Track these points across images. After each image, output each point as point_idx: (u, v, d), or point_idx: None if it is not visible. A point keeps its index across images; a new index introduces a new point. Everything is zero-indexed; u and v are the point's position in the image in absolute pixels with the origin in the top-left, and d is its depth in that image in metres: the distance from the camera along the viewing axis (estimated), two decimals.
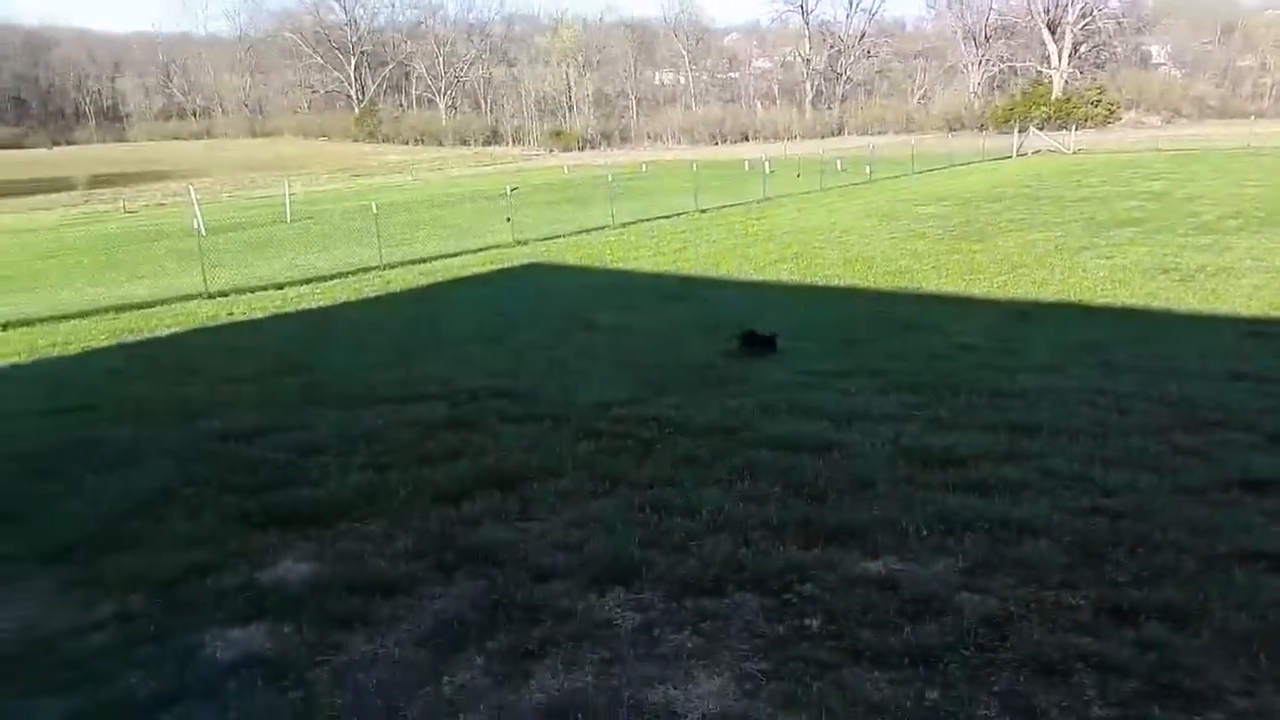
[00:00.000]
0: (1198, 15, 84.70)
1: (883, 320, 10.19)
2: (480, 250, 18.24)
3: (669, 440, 5.70)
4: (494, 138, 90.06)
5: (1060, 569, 3.64)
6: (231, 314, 12.58)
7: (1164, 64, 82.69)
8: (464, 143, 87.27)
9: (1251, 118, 55.58)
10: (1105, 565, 3.66)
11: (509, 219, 20.08)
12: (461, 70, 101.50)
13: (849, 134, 74.63)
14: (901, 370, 7.55)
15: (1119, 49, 75.95)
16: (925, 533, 4.08)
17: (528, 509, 4.66)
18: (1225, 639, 3.08)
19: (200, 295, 13.96)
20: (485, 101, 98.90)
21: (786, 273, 13.79)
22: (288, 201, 31.22)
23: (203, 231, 21.05)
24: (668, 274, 14.46)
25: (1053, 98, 65.77)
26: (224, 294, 14.13)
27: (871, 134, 67.72)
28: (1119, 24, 73.44)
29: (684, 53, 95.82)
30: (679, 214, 23.34)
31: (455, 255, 17.68)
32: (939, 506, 4.38)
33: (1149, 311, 10.07)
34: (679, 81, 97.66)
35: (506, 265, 16.36)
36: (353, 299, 13.57)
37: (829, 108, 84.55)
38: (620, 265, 15.67)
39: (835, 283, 12.81)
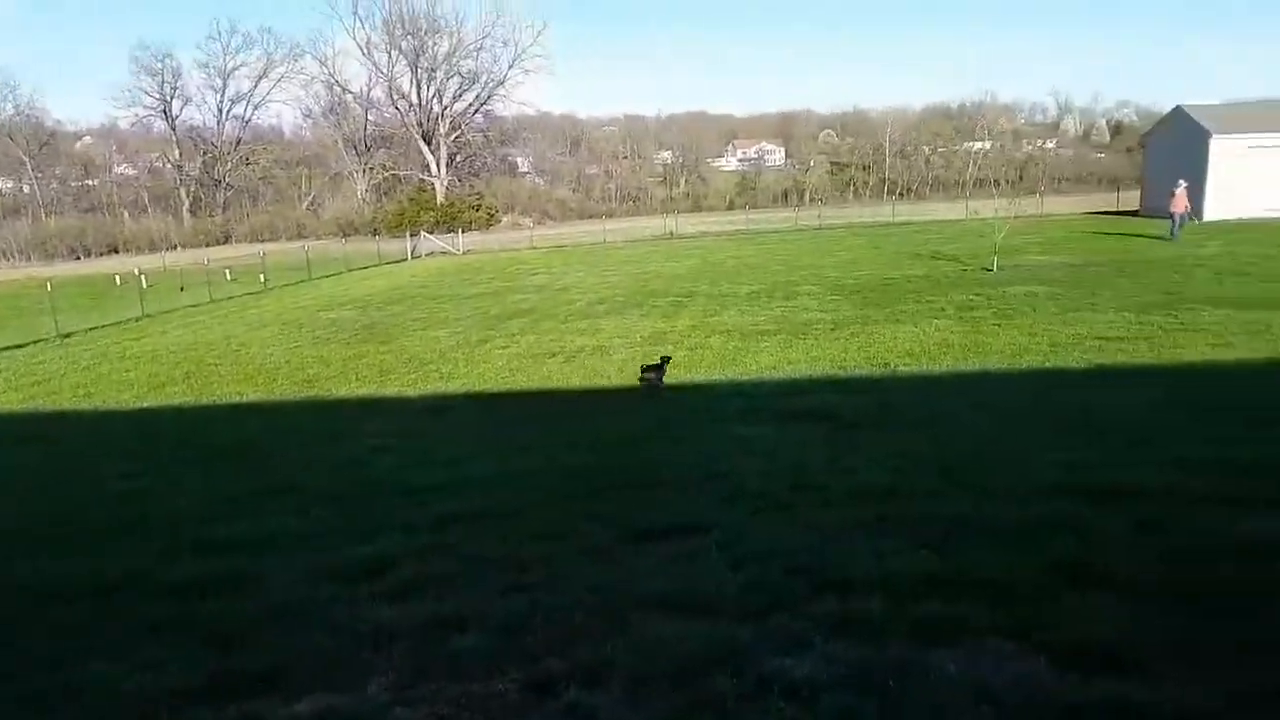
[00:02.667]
0: (550, 130, 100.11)
1: (293, 433, 9.85)
2: None
3: (37, 613, 4.72)
4: None
5: (488, 656, 3.79)
6: None
7: (529, 172, 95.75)
8: None
9: (603, 218, 66.95)
10: (528, 640, 3.90)
11: None
12: None
13: (237, 242, 72.15)
14: (317, 483, 7.33)
15: (489, 159, 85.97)
16: (353, 654, 3.93)
17: None
18: (634, 686, 3.47)
19: None
20: None
21: (178, 396, 12.63)
22: None
23: None
24: (16, 414, 12.23)
25: (438, 203, 71.54)
26: None
27: (262, 241, 66.41)
28: (485, 137, 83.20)
29: (25, 159, 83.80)
30: (34, 341, 20.03)
31: None
32: (367, 621, 4.27)
33: (545, 391, 11.31)
34: (23, 190, 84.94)
35: None
36: None
37: (211, 215, 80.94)
38: None
39: (236, 399, 12.08)
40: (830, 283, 20.80)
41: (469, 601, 4.41)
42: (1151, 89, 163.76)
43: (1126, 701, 2.92)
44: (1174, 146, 37.54)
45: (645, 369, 10.98)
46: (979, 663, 3.23)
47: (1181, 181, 27.84)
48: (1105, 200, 50.20)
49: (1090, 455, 6.45)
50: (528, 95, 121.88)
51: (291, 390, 12.39)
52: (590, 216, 75.92)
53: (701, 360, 12.36)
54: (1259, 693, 2.93)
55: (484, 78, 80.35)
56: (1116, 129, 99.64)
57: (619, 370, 12.15)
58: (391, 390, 11.96)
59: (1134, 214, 40.25)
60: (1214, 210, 33.69)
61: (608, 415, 9.71)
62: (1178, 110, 38.50)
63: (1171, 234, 26.31)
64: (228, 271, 35.92)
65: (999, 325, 13.28)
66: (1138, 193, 43.02)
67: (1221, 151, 34.45)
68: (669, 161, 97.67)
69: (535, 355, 13.89)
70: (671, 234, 48.75)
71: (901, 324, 14.03)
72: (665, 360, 11.05)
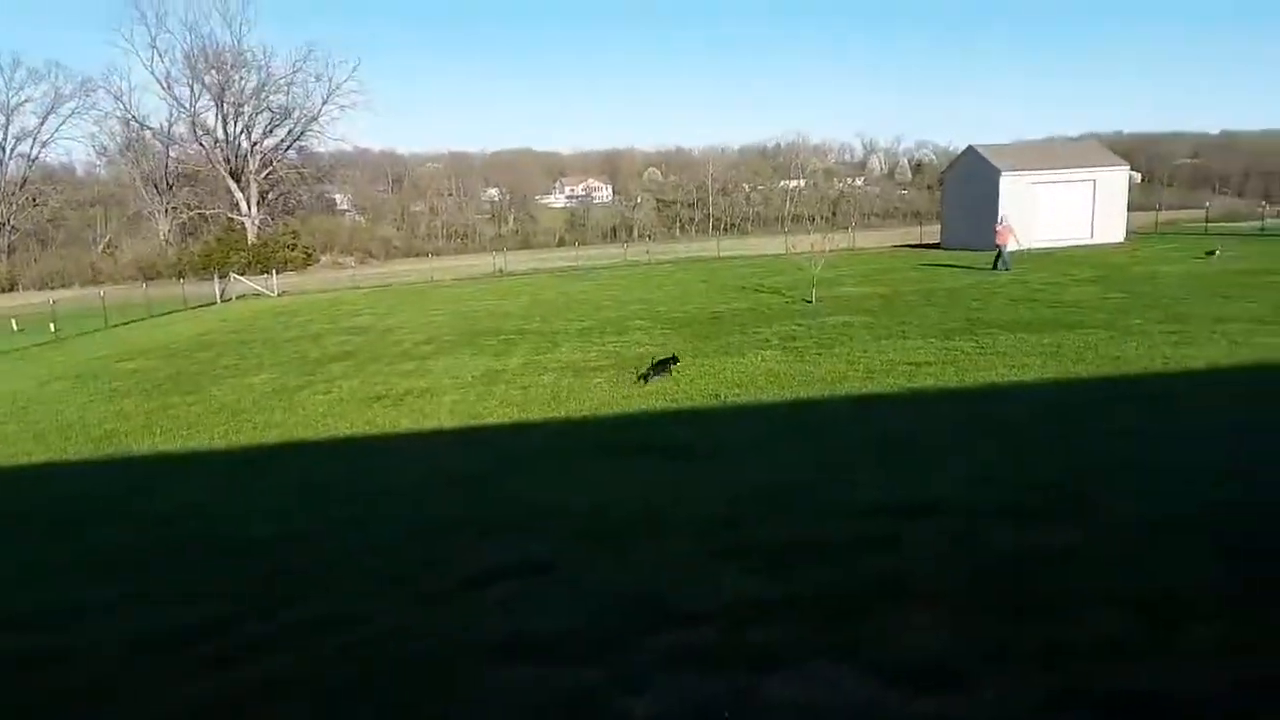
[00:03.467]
0: (371, 167, 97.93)
1: (91, 495, 9.09)
2: None
3: None
4: None
5: None
6: None
7: (349, 210, 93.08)
8: None
9: (430, 256, 65.88)
10: (361, 702, 3.74)
11: None
12: None
13: (25, 289, 66.50)
14: (125, 547, 6.80)
15: (305, 197, 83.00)
16: None
17: None
18: None
19: None
20: None
21: None
22: None
23: None
24: None
25: (250, 243, 68.38)
26: None
27: (52, 288, 61.50)
28: (300, 174, 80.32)
29: None
30: None
31: None
32: (184, 693, 3.98)
33: (371, 437, 10.93)
34: None
35: None
36: None
37: None
38: None
39: (25, 461, 11.05)
40: (660, 317, 21.24)
41: (297, 664, 4.18)
42: (947, 130, 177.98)
43: (948, 716, 3.10)
44: (968, 183, 40.78)
45: (655, 363, 13.06)
46: (811, 686, 3.35)
47: (1003, 217, 29.96)
48: (910, 234, 53.81)
49: (905, 475, 6.85)
50: (345, 131, 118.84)
51: (88, 449, 11.45)
52: (416, 255, 74.67)
53: (536, 398, 12.32)
54: (1065, 694, 3.18)
55: (296, 113, 77.78)
56: (917, 167, 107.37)
57: (450, 412, 11.93)
58: (201, 444, 11.25)
59: (936, 246, 43.36)
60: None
61: (440, 458, 9.51)
62: (970, 150, 41.87)
63: (1005, 266, 27.37)
64: (13, 321, 33.05)
65: (820, 354, 13.92)
66: (939, 226, 46.42)
67: (1010, 187, 37.69)
68: (497, 199, 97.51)
69: (360, 399, 13.44)
70: (501, 271, 48.56)
71: (730, 355, 14.47)
72: (674, 359, 13.24)
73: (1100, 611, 3.88)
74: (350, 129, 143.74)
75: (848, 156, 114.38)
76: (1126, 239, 37.91)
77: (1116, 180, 38.98)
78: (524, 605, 4.70)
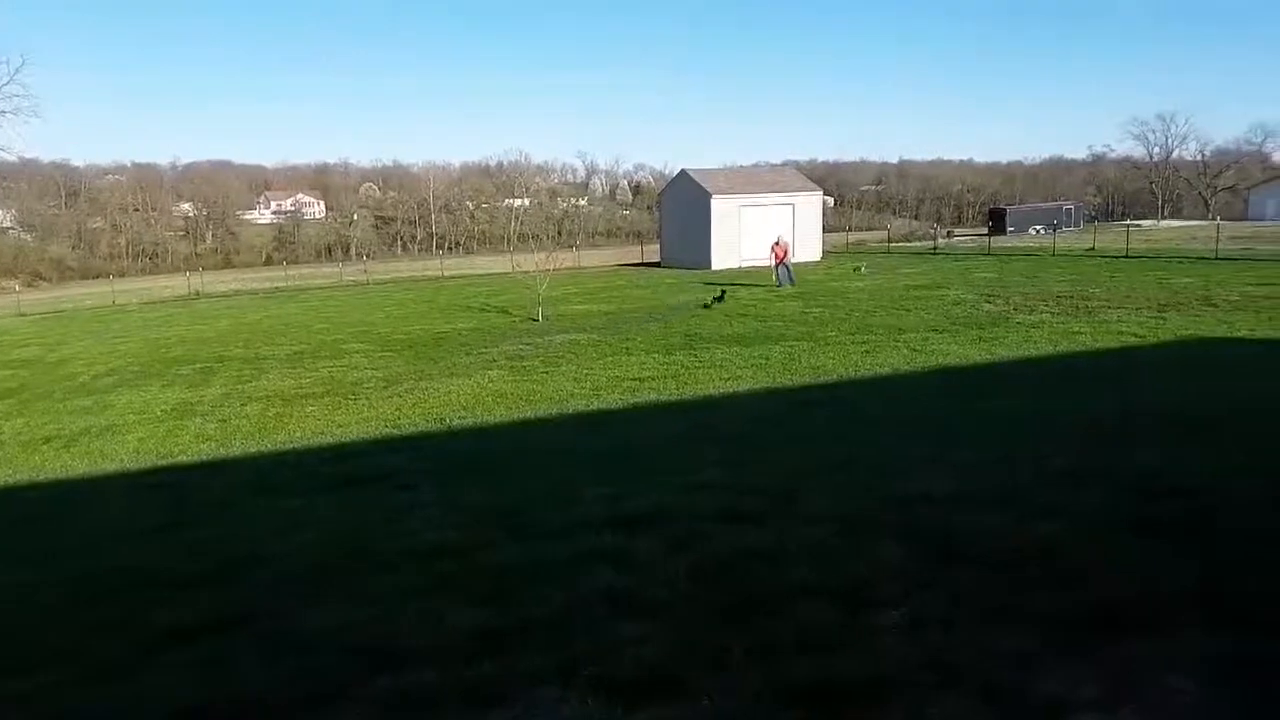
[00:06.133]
0: (40, 179, 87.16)
1: None
2: None
3: None
4: None
5: None
6: None
7: (13, 228, 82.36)
8: None
9: (113, 277, 59.61)
10: None
11: None
12: None
13: None
14: None
15: None
16: None
17: None
18: None
19: None
20: None
21: None
22: None
23: None
24: None
25: None
26: None
27: None
28: None
29: None
30: None
31: None
32: None
33: (38, 485, 9.66)
34: None
35: None
36: None
37: None
38: None
39: None
40: (380, 339, 20.53)
41: None
42: (662, 153, 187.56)
43: None
44: (684, 205, 43.00)
45: (715, 298, 20.86)
46: (535, 715, 3.27)
47: (779, 235, 31.37)
48: (633, 253, 55.85)
49: (627, 486, 6.99)
50: (7, 139, 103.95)
51: None
52: (96, 277, 67.53)
53: (237, 431, 11.43)
54: (775, 689, 3.31)
55: None
56: (637, 189, 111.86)
57: (135, 451, 10.78)
58: None
59: (657, 265, 45.28)
60: (718, 260, 39.06)
61: (122, 505, 8.53)
62: (683, 174, 44.20)
63: (778, 282, 28.36)
64: None
65: (548, 373, 14.03)
66: (659, 246, 48.55)
67: (720, 210, 40.14)
68: (191, 214, 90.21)
69: (24, 442, 11.85)
70: (198, 293, 44.90)
71: (456, 377, 14.23)
72: (723, 293, 20.57)
73: (804, 605, 4.10)
74: (13, 137, 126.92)
75: (570, 177, 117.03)
76: (823, 257, 41.56)
77: (812, 204, 42.68)
78: (220, 665, 4.25)
